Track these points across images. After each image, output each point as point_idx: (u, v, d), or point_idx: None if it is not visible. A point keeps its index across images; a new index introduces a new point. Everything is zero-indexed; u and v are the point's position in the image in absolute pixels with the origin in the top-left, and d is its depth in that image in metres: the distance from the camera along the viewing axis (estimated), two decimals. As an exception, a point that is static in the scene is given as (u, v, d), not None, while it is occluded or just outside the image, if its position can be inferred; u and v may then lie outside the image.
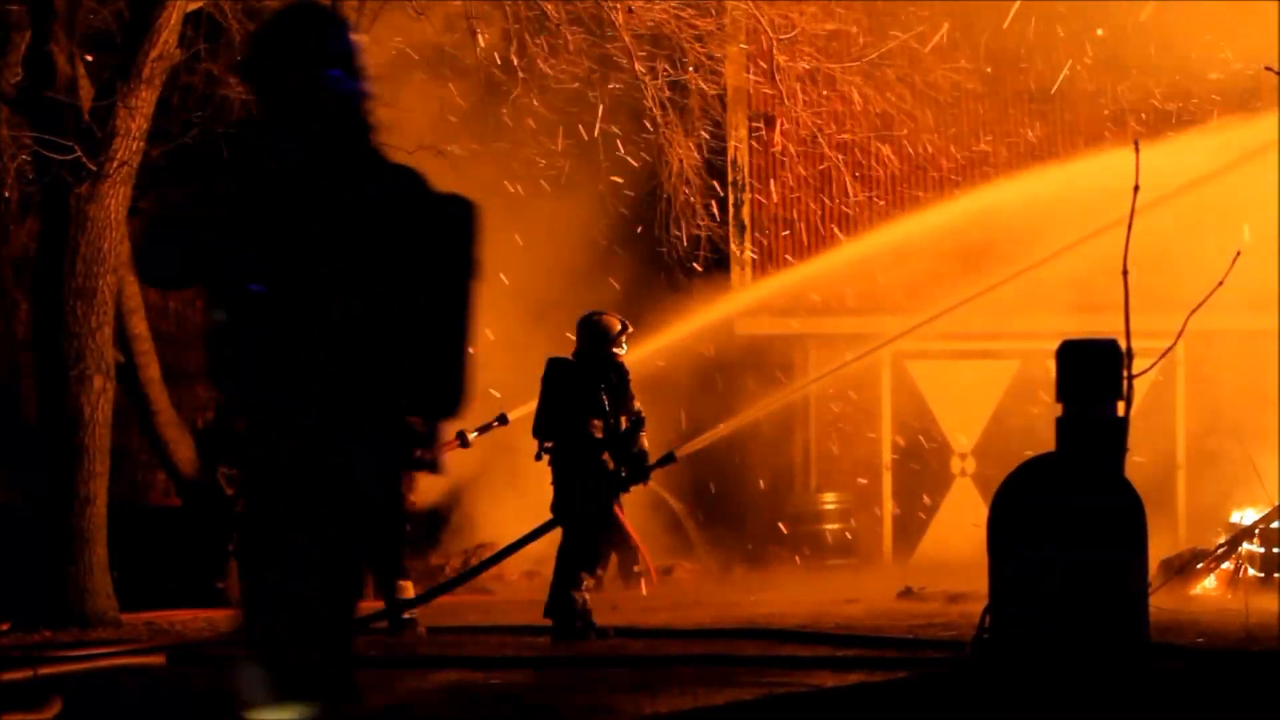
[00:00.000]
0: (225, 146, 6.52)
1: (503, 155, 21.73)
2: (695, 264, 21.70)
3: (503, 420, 16.11)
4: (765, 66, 21.44)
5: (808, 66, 20.08)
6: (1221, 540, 17.35)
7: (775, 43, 19.79)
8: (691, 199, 20.29)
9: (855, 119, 22.94)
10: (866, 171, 23.63)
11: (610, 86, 19.81)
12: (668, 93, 19.53)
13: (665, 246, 21.32)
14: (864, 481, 23.87)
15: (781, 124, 23.42)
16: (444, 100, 20.51)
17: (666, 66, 19.36)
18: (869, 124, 23.40)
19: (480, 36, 18.48)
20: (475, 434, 15.82)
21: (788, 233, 24.12)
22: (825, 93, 21.77)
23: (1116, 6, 23.80)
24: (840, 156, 22.72)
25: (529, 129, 21.17)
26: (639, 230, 22.83)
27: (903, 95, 23.28)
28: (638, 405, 13.98)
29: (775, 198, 24.16)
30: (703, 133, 20.49)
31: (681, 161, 20.00)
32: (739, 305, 22.28)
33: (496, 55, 19.19)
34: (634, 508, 18.66)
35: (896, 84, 22.90)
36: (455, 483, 22.16)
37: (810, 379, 20.64)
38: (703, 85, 19.76)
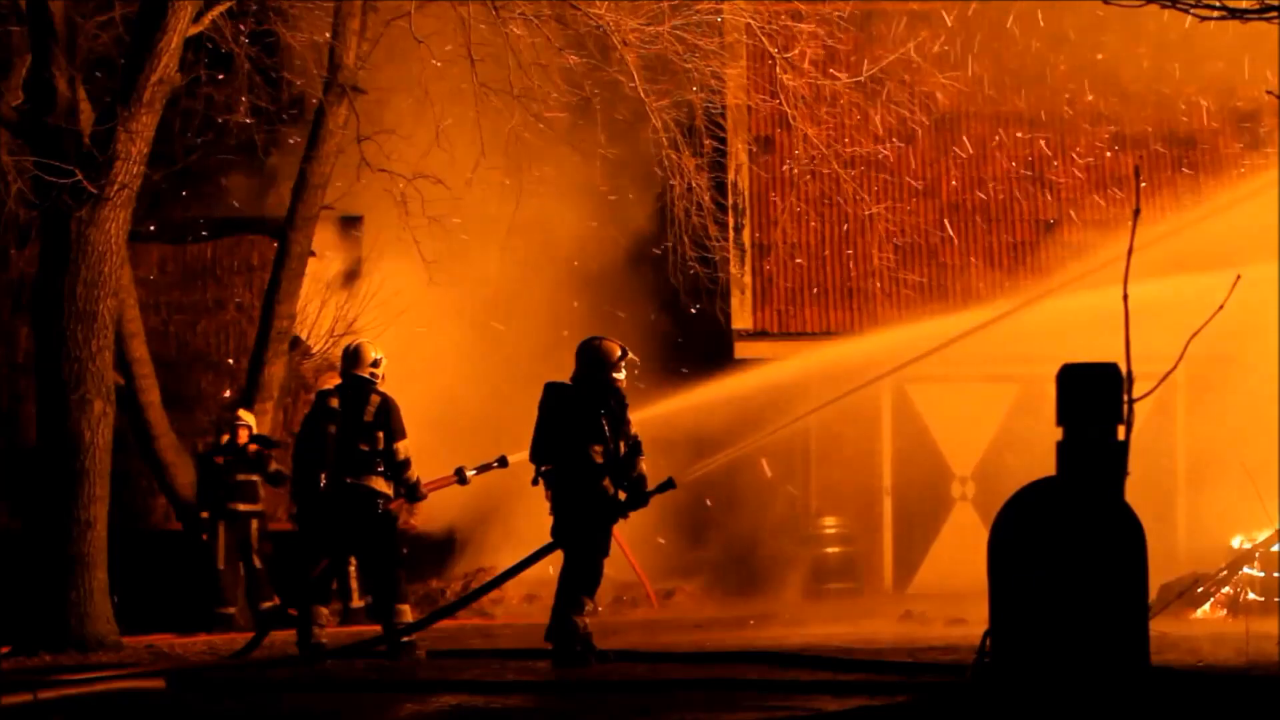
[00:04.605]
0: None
1: (501, 179, 21.71)
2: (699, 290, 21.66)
3: (502, 462, 16.67)
4: (768, 86, 21.46)
5: (809, 80, 20.05)
6: (1222, 565, 17.34)
7: (777, 60, 19.79)
8: (696, 218, 20.27)
9: (856, 135, 22.90)
10: (870, 186, 23.59)
11: (612, 112, 19.83)
12: (670, 114, 19.52)
13: (669, 268, 21.31)
14: (864, 505, 23.82)
15: (785, 143, 23.41)
16: (442, 127, 20.48)
17: (670, 87, 19.36)
18: (871, 140, 23.37)
19: (478, 65, 18.48)
20: (474, 472, 16.75)
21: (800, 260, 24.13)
22: (827, 110, 21.75)
23: (1117, 27, 23.81)
24: (851, 171, 22.65)
25: (529, 152, 21.13)
26: (643, 253, 22.86)
27: (903, 111, 23.27)
28: (634, 430, 13.96)
29: (778, 219, 24.15)
30: (705, 154, 20.49)
31: (690, 183, 19.98)
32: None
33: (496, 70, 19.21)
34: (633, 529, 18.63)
35: (897, 98, 22.86)
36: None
37: (810, 408, 20.59)
38: (703, 105, 19.77)
